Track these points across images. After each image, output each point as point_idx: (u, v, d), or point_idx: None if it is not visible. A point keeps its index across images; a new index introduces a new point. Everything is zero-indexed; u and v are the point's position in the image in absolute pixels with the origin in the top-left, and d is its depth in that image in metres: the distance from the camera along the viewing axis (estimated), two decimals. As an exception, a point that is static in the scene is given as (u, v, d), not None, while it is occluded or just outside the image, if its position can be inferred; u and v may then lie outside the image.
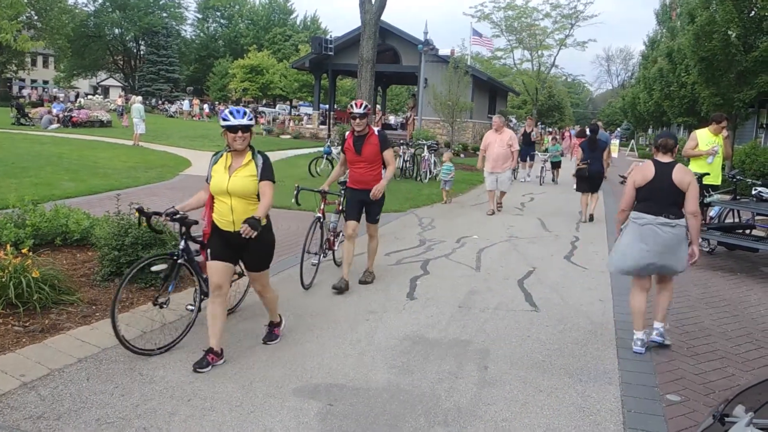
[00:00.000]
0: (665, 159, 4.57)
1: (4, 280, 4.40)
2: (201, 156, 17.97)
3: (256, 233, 3.75)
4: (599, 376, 4.12)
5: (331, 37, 30.31)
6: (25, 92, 51.26)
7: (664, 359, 4.46)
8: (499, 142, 10.61)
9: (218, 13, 67.66)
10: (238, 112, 3.97)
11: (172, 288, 4.29)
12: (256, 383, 3.79)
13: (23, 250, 4.73)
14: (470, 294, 5.91)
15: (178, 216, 4.14)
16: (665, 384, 4.03)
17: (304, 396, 3.65)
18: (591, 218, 10.62)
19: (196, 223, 4.26)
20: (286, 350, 4.33)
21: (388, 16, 73.73)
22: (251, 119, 4.00)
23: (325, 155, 14.94)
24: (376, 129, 5.82)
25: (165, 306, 4.25)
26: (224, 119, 3.95)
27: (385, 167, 5.91)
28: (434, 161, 15.51)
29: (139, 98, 23.03)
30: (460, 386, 3.87)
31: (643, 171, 4.56)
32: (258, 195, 4.01)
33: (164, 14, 59.44)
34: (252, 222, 3.74)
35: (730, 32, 14.96)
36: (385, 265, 6.86)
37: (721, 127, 8.27)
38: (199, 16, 67.83)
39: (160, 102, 54.49)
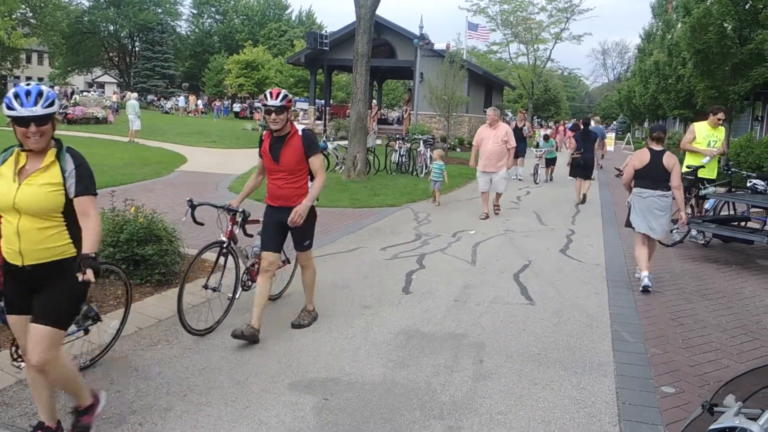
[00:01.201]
0: (657, 147, 6.08)
1: (-2, 277, 4.36)
2: (197, 152, 17.94)
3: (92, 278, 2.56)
4: (594, 368, 4.13)
5: (326, 32, 30.28)
6: (19, 89, 50.91)
7: (659, 351, 4.48)
8: (493, 137, 9.83)
9: (213, 9, 67.35)
10: (28, 94, 2.61)
11: None
12: (252, 378, 3.79)
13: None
14: (466, 288, 5.92)
15: None
16: (660, 376, 4.05)
17: (300, 391, 3.66)
18: (584, 199, 11.87)
19: None
20: (281, 345, 4.33)
21: (383, 11, 73.54)
22: (50, 103, 2.64)
23: (321, 150, 14.87)
24: (300, 127, 4.52)
25: None
26: (8, 106, 2.60)
27: (312, 178, 4.59)
28: (430, 156, 15.46)
29: (134, 95, 22.91)
30: (455, 380, 3.88)
31: (641, 156, 6.08)
32: (63, 213, 2.74)
33: (159, 10, 59.19)
34: (92, 264, 2.58)
35: (726, 25, 14.97)
36: (381, 259, 6.87)
37: (717, 118, 8.25)
38: (194, 11, 67.58)
39: (155, 98, 54.30)
